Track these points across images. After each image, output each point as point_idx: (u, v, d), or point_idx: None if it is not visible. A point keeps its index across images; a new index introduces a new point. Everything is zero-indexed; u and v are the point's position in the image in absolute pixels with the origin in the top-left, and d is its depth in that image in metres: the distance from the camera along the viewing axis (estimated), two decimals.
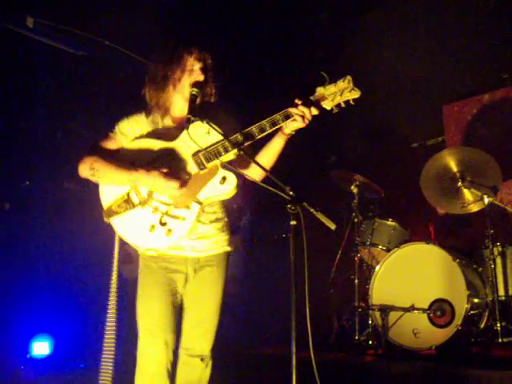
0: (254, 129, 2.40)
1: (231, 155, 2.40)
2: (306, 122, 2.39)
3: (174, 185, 2.35)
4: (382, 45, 5.39)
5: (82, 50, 4.60)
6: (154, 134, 2.51)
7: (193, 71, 2.51)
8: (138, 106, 2.61)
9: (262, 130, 2.40)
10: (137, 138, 2.51)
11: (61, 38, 4.44)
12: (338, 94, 2.40)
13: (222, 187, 2.41)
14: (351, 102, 2.42)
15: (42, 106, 4.53)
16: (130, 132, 2.51)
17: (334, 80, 2.42)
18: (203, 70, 2.52)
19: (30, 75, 4.45)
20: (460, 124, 5.41)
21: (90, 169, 2.41)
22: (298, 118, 2.38)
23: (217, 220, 2.56)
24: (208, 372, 2.56)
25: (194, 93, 2.44)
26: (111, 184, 2.43)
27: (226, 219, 2.62)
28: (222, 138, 2.37)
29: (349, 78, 2.42)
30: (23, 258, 4.25)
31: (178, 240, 2.41)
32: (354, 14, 5.53)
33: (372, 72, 5.43)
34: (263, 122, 2.40)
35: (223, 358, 2.67)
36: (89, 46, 4.58)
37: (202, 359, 2.53)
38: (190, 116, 2.35)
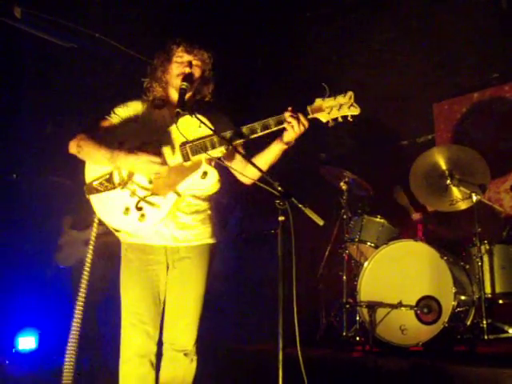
0: (244, 129, 2.39)
1: (218, 152, 2.40)
2: (297, 131, 2.35)
3: (155, 159, 2.34)
4: (373, 42, 5.39)
5: (71, 42, 4.54)
6: (147, 122, 2.52)
7: (181, 63, 2.51)
8: (131, 95, 2.61)
9: (253, 132, 2.38)
10: (130, 122, 2.51)
11: (49, 29, 4.38)
12: (335, 107, 2.36)
13: (202, 181, 2.42)
14: (349, 118, 2.38)
15: (29, 98, 4.47)
16: (126, 118, 2.52)
17: (334, 93, 2.37)
18: (191, 63, 2.52)
19: (17, 67, 4.40)
20: (450, 122, 5.43)
21: (77, 146, 2.45)
22: (288, 126, 2.35)
23: (197, 212, 2.56)
24: (193, 367, 2.56)
25: (183, 86, 2.45)
26: (94, 162, 2.45)
27: (209, 212, 2.61)
28: (211, 132, 2.37)
29: (350, 93, 2.37)
30: (9, 251, 4.20)
31: (152, 226, 2.40)
32: (346, 11, 5.52)
33: (362, 69, 5.44)
34: (255, 124, 2.38)
35: (210, 353, 2.67)
36: (78, 37, 4.53)
37: (185, 354, 2.53)
38: (178, 110, 2.35)
